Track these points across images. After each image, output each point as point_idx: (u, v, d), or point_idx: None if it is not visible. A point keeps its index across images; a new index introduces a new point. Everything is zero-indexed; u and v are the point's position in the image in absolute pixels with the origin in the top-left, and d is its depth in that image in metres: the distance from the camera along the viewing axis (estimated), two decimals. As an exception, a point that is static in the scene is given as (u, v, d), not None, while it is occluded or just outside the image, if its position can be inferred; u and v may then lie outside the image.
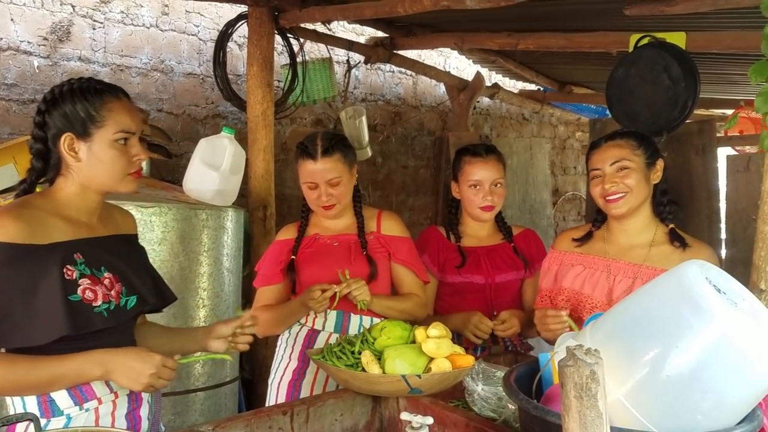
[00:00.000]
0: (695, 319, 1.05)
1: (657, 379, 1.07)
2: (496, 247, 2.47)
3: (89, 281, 1.50)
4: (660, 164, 2.03)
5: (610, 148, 2.01)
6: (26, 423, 1.43)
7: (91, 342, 1.49)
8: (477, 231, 2.49)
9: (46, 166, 1.57)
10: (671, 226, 2.03)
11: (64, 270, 1.46)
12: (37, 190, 1.61)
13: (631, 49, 3.17)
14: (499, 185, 2.41)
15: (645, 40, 3.11)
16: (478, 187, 2.39)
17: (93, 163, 1.54)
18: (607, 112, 5.96)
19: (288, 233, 2.34)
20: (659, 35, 3.10)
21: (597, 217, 2.16)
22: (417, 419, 1.17)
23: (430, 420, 1.19)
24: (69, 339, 1.45)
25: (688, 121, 3.20)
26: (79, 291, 1.47)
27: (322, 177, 2.17)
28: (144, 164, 3.01)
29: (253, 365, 3.59)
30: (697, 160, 4.26)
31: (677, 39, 3.11)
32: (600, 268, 2.04)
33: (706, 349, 1.05)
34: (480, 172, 2.39)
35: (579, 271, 2.08)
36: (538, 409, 1.15)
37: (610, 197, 1.98)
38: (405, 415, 1.19)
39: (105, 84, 1.60)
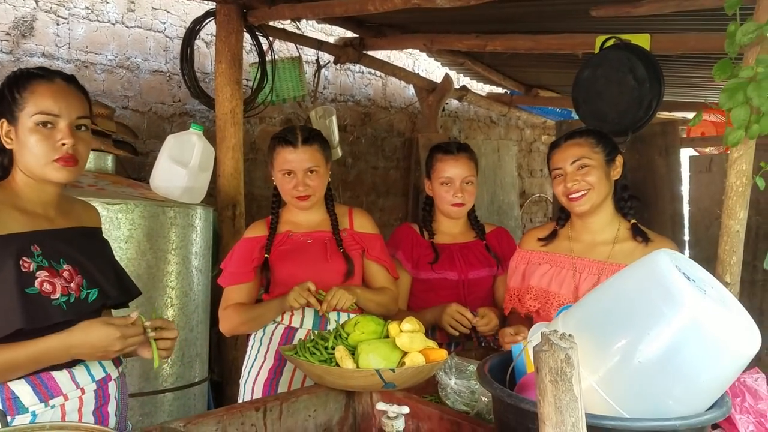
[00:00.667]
0: (666, 305, 1.07)
1: (629, 365, 1.09)
2: (469, 244, 2.49)
3: (47, 273, 1.47)
4: (619, 160, 2.06)
5: (570, 147, 2.04)
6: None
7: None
8: (450, 228, 2.51)
9: (2, 156, 1.54)
10: (633, 221, 2.07)
11: (21, 262, 1.43)
12: None
13: (597, 51, 3.23)
14: (470, 183, 2.43)
15: (610, 42, 3.17)
16: (449, 184, 2.41)
17: (20, 148, 1.51)
18: (573, 114, 6.09)
19: (257, 230, 2.29)
20: (624, 37, 3.17)
21: (561, 215, 2.19)
22: (393, 409, 1.17)
23: (406, 409, 1.19)
24: (25, 333, 1.41)
25: (652, 122, 3.27)
26: (36, 283, 1.44)
27: (301, 165, 2.16)
28: (108, 160, 2.96)
29: (222, 367, 3.54)
30: (660, 161, 4.35)
31: (642, 40, 3.18)
32: (566, 266, 2.07)
33: (678, 335, 1.07)
34: (451, 170, 2.41)
35: (545, 270, 2.11)
36: (512, 397, 1.16)
37: (573, 195, 2.01)
38: (381, 405, 1.19)
39: (44, 69, 1.56)
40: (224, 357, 3.53)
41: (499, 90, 6.17)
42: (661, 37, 3.18)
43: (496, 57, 4.51)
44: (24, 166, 1.51)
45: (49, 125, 1.49)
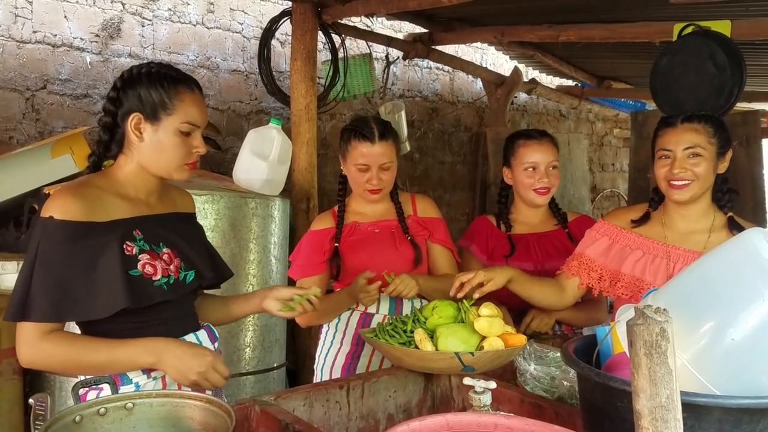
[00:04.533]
0: (762, 282, 1.06)
1: (722, 343, 1.08)
2: (548, 233, 2.44)
3: (148, 256, 1.55)
4: (729, 155, 1.95)
5: (686, 132, 1.90)
6: (96, 390, 1.49)
7: (151, 315, 1.55)
8: (529, 217, 2.46)
9: (110, 141, 1.61)
10: (730, 214, 1.98)
11: (124, 246, 1.51)
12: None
13: (674, 39, 3.15)
14: (554, 168, 2.38)
15: (689, 29, 3.09)
16: (534, 169, 2.36)
17: (155, 147, 1.57)
18: (647, 106, 5.93)
19: (324, 223, 2.32)
20: (703, 24, 3.08)
21: (654, 197, 2.09)
22: (480, 384, 1.20)
23: (493, 384, 1.21)
24: (130, 312, 1.49)
25: (732, 112, 3.17)
26: (138, 266, 1.52)
27: (377, 160, 2.19)
28: (195, 155, 3.10)
29: (296, 355, 3.64)
30: (741, 152, 4.20)
31: (722, 27, 3.08)
32: (659, 254, 1.99)
33: (774, 313, 1.05)
34: (536, 155, 2.35)
35: (638, 257, 2.02)
36: (601, 375, 1.17)
37: (676, 182, 1.91)
38: (468, 380, 1.22)
39: (181, 74, 1.64)
40: (298, 345, 3.64)
41: (570, 82, 6.08)
42: (741, 23, 3.08)
43: (568, 48, 4.45)
44: (150, 162, 1.59)
45: (189, 133, 1.60)
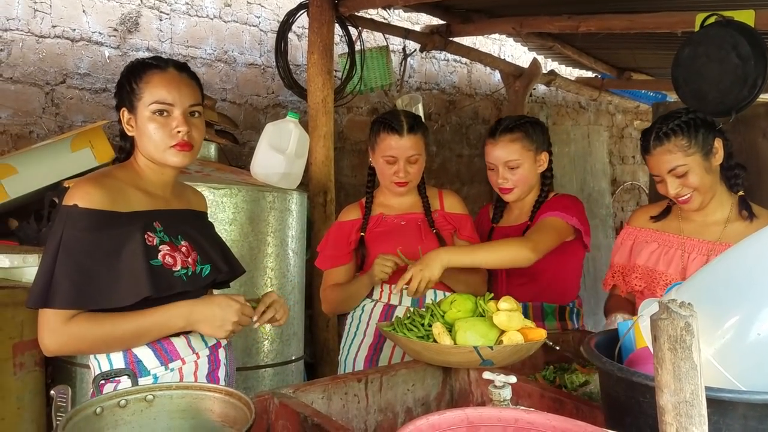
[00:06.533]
0: (790, 276, 1.04)
1: (748, 338, 1.06)
2: (516, 226, 2.41)
3: (168, 248, 1.57)
4: (718, 144, 1.92)
5: (661, 155, 1.91)
6: (114, 383, 1.50)
7: None
8: (513, 210, 2.47)
9: (125, 141, 1.67)
10: (740, 193, 1.99)
11: (146, 236, 1.53)
12: None
13: (697, 29, 3.10)
14: (515, 168, 2.30)
15: (712, 19, 3.03)
16: (492, 169, 2.36)
17: (140, 135, 1.61)
18: (668, 97, 5.84)
19: (351, 214, 2.37)
20: (726, 14, 3.03)
21: None
22: (500, 378, 1.18)
23: (513, 378, 1.20)
24: (150, 302, 1.51)
25: (755, 103, 3.11)
26: (159, 256, 1.54)
27: (404, 153, 2.21)
28: (212, 149, 3.11)
29: (314, 348, 3.65)
30: (764, 144, 4.13)
31: (746, 17, 3.03)
32: (674, 246, 2.02)
33: (801, 308, 1.03)
34: (492, 153, 2.33)
35: (653, 249, 2.05)
36: (623, 370, 1.15)
37: (680, 199, 1.95)
38: (488, 374, 1.21)
39: (157, 58, 1.66)
40: (316, 339, 3.64)
41: (590, 74, 6.01)
42: (765, 13, 3.02)
43: (588, 39, 4.40)
44: (145, 151, 1.62)
45: (164, 113, 1.59)
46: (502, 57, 5.49)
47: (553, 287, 2.38)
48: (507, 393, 1.19)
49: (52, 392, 1.21)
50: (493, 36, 5.47)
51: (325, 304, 2.36)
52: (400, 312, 2.19)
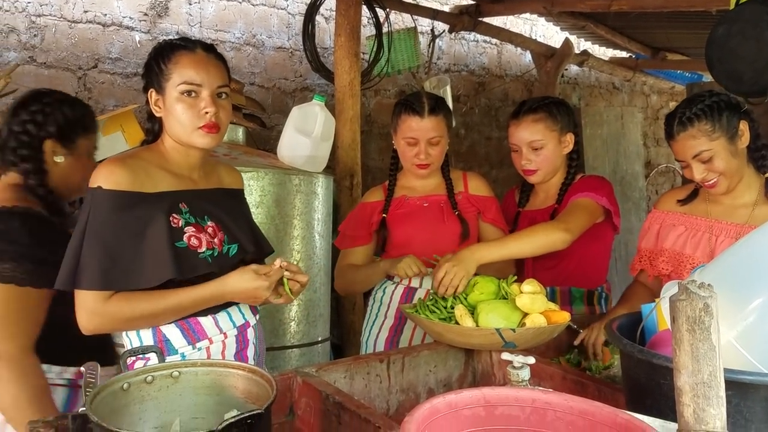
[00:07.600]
0: (816, 258, 1.02)
1: (772, 320, 1.04)
2: (543, 210, 2.37)
3: (194, 229, 1.58)
4: (743, 126, 1.87)
5: (685, 141, 1.87)
6: (143, 361, 1.54)
7: None
8: (538, 194, 2.44)
9: (153, 122, 1.67)
10: (767, 175, 1.94)
11: (171, 218, 1.55)
12: None
13: (732, 6, 3.01)
14: (539, 149, 2.26)
15: (748, -4, 2.95)
16: (516, 151, 2.32)
17: (167, 116, 1.61)
18: (704, 77, 5.70)
19: (374, 195, 2.38)
20: (763, -10, 2.94)
21: None
22: (519, 359, 1.18)
23: (531, 359, 1.20)
24: (174, 283, 1.53)
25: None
26: (184, 238, 1.56)
27: (425, 135, 2.19)
28: (240, 133, 3.14)
29: (341, 330, 3.69)
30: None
31: (785, -8, 2.93)
32: (702, 229, 1.98)
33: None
34: (516, 134, 2.29)
35: (680, 232, 2.02)
36: (643, 352, 1.14)
37: (706, 183, 1.91)
38: (506, 355, 1.21)
39: (185, 39, 1.66)
40: (342, 321, 3.68)
41: (623, 54, 5.89)
42: (805, -12, 2.91)
43: (621, 18, 4.30)
44: (172, 132, 1.63)
45: (192, 94, 1.59)
46: (534, 37, 5.41)
47: (581, 270, 2.36)
48: (525, 374, 1.19)
49: (81, 368, 1.25)
50: (524, 16, 5.39)
51: (337, 281, 2.38)
52: (420, 294, 2.19)
